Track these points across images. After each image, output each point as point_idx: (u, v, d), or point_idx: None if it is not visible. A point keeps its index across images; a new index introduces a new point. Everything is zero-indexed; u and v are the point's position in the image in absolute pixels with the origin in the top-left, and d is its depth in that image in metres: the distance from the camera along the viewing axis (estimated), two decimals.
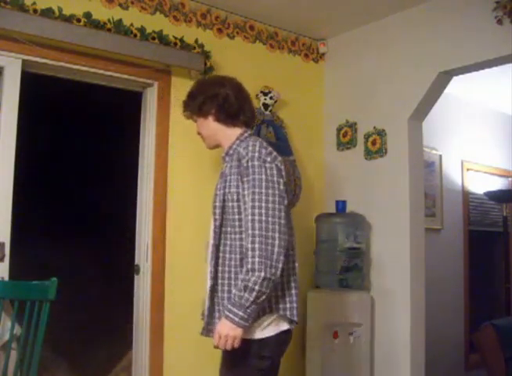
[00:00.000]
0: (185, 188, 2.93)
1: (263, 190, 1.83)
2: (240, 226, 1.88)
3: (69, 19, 2.51)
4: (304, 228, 3.12)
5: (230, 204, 1.91)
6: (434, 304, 3.55)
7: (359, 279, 3.09)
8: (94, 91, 2.86)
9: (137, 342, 2.79)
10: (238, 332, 1.76)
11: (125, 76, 2.77)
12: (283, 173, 1.92)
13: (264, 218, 1.79)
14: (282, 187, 1.87)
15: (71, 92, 3.00)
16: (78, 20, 2.53)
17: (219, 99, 2.03)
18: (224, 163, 2.06)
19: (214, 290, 1.94)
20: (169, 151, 2.89)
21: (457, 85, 3.40)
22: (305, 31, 3.45)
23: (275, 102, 3.17)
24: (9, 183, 2.45)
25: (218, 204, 1.95)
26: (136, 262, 2.84)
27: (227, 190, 1.92)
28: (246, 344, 1.81)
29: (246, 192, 1.85)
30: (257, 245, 1.77)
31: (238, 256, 1.88)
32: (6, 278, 2.23)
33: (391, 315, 3.05)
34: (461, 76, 3.03)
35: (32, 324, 1.90)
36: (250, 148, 1.89)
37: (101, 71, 2.69)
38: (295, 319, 1.91)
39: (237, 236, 1.89)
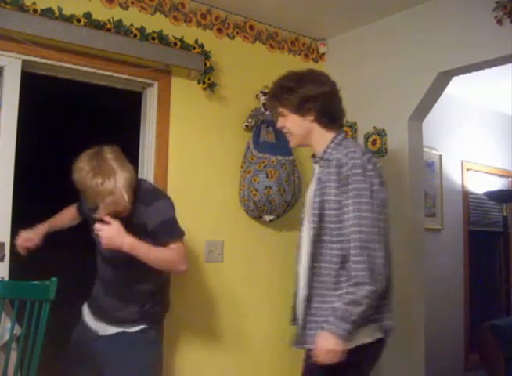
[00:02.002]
0: (186, 188, 2.93)
1: (366, 200, 1.78)
2: (338, 235, 1.83)
3: (69, 19, 2.50)
4: None
5: (328, 212, 1.85)
6: (434, 304, 3.55)
7: None
8: (93, 90, 2.85)
9: None
10: (341, 346, 1.71)
11: (125, 76, 2.77)
12: (383, 179, 1.87)
13: (366, 229, 1.76)
14: (382, 195, 1.83)
15: (70, 92, 3.00)
16: (78, 20, 2.53)
17: (323, 100, 1.95)
18: (317, 166, 1.99)
19: (308, 300, 1.87)
20: (169, 151, 2.89)
21: (457, 85, 3.40)
22: (305, 31, 3.45)
23: None
24: (9, 183, 2.45)
25: (316, 212, 1.88)
26: None
27: (325, 198, 1.86)
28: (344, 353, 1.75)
29: (349, 201, 1.79)
30: (361, 258, 1.73)
31: (333, 266, 1.82)
32: (6, 278, 2.23)
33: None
34: (461, 76, 3.02)
35: (32, 324, 1.90)
36: (351, 154, 1.83)
37: (101, 71, 2.69)
38: (390, 328, 1.87)
39: (334, 245, 1.84)
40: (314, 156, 2.06)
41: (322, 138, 1.98)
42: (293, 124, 2.00)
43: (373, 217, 1.77)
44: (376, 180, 1.83)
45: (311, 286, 1.86)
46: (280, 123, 2.05)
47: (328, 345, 1.71)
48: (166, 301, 2.31)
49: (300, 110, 1.96)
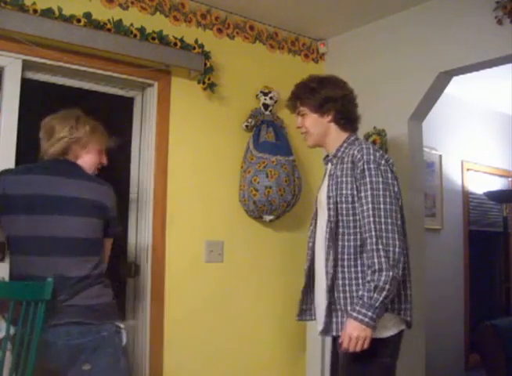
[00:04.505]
0: (186, 187, 2.93)
1: (380, 192, 1.89)
2: (355, 227, 1.94)
3: (69, 19, 2.50)
4: (303, 229, 3.11)
5: (345, 205, 1.96)
6: (434, 304, 3.55)
7: None
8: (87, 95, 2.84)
9: (137, 344, 2.79)
10: (368, 333, 1.79)
11: (125, 76, 2.77)
12: (396, 175, 1.98)
13: (383, 219, 1.86)
14: (396, 189, 1.94)
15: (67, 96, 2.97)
16: (78, 20, 2.53)
17: (342, 101, 2.07)
18: (330, 164, 2.12)
19: (332, 290, 1.96)
20: (169, 151, 2.89)
21: (457, 85, 3.40)
22: (305, 31, 3.45)
23: (276, 102, 3.17)
24: None
25: (332, 206, 1.98)
26: (137, 262, 2.84)
27: (340, 192, 1.97)
28: (372, 343, 1.83)
29: (363, 194, 1.91)
30: (380, 246, 1.83)
31: (352, 256, 1.93)
32: (6, 278, 2.22)
33: None
34: (461, 76, 3.02)
35: (28, 325, 1.89)
36: (365, 150, 1.94)
37: (100, 71, 2.69)
38: (409, 319, 1.97)
39: (351, 237, 1.95)
40: (326, 157, 2.18)
41: (337, 138, 2.10)
42: (311, 123, 2.12)
43: (389, 208, 1.88)
44: (389, 174, 1.93)
45: (332, 277, 1.95)
46: (299, 122, 2.17)
47: (355, 332, 1.79)
48: None
49: (320, 109, 2.09)
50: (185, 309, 2.84)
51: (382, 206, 1.87)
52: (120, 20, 2.66)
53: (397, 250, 1.83)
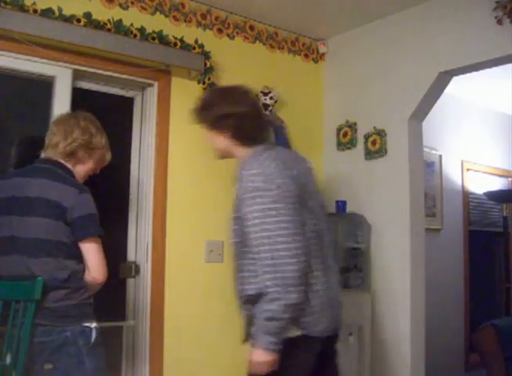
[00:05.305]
0: (186, 187, 2.93)
1: (257, 214, 1.79)
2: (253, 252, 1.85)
3: (69, 19, 2.50)
4: None
5: (245, 227, 1.87)
6: (434, 304, 3.55)
7: (359, 279, 3.09)
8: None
9: (137, 344, 2.79)
10: (272, 357, 1.76)
11: (125, 76, 2.77)
12: (290, 187, 1.82)
13: (268, 240, 1.75)
14: (287, 188, 1.81)
15: None
16: (78, 20, 2.53)
17: (236, 119, 1.98)
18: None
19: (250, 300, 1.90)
20: (169, 151, 2.89)
21: (457, 85, 3.40)
22: (305, 31, 3.45)
23: (276, 102, 3.17)
24: None
25: (236, 227, 1.93)
26: (137, 262, 2.84)
27: (239, 215, 1.89)
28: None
29: (250, 212, 1.81)
30: (268, 275, 1.74)
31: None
32: None
33: (391, 315, 3.05)
34: (461, 76, 3.03)
35: (17, 325, 1.88)
36: (244, 178, 1.85)
37: (100, 71, 2.69)
38: (306, 332, 1.84)
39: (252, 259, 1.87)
40: None
41: (240, 154, 2.03)
42: (212, 139, 2.07)
43: (275, 221, 1.76)
44: (274, 195, 1.79)
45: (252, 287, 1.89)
46: (205, 136, 2.12)
47: (258, 358, 1.78)
48: None
49: (216, 126, 2.02)
50: (185, 309, 2.84)
51: (263, 226, 1.76)
52: (120, 20, 2.66)
53: (291, 273, 1.72)
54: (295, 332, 1.84)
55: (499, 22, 2.62)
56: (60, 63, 2.57)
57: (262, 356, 1.77)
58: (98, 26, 2.58)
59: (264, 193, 1.79)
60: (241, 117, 1.98)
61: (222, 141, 2.04)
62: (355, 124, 3.32)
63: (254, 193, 1.80)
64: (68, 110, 2.53)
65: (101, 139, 2.17)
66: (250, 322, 1.90)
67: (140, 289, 2.81)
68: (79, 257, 2.00)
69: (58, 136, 2.10)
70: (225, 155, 2.11)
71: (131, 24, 2.70)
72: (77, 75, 2.66)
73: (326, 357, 1.96)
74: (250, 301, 1.88)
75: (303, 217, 1.84)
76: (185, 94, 2.94)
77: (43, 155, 2.14)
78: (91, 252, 2.01)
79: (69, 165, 2.10)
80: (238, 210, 1.90)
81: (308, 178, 2.02)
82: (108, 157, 2.24)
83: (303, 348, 1.87)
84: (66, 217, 1.96)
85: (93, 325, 1.99)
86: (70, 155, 2.10)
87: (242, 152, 2.01)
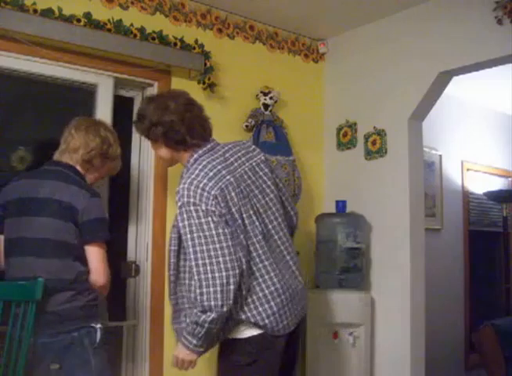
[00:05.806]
0: None
1: (188, 229, 1.84)
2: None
3: (69, 19, 2.50)
4: (304, 228, 3.12)
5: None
6: (434, 304, 3.55)
7: (359, 279, 3.09)
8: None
9: (137, 344, 2.79)
10: (193, 357, 1.90)
11: (125, 76, 2.77)
12: (218, 199, 1.85)
13: (200, 261, 1.81)
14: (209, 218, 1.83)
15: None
16: (78, 20, 2.53)
17: (163, 127, 1.99)
18: None
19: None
20: None
21: (457, 85, 3.40)
22: (305, 31, 3.45)
23: (276, 102, 3.17)
24: None
25: (174, 235, 1.98)
26: (137, 262, 2.84)
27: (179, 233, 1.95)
28: (228, 343, 1.95)
29: (183, 237, 1.88)
30: (199, 288, 1.80)
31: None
32: None
33: (391, 315, 3.05)
34: (461, 76, 3.03)
35: (17, 326, 1.89)
36: (180, 191, 1.87)
37: (100, 71, 2.69)
38: (262, 323, 1.89)
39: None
40: None
41: (183, 160, 2.05)
42: (153, 148, 2.13)
43: (205, 235, 1.81)
44: (200, 211, 1.83)
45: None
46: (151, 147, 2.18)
47: (180, 355, 1.91)
48: None
49: (150, 137, 2.07)
50: None
51: (198, 248, 1.81)
52: (120, 20, 2.66)
53: (218, 288, 1.78)
54: (255, 332, 1.91)
55: (499, 22, 2.62)
56: (60, 63, 2.57)
57: (183, 354, 1.90)
58: (98, 26, 2.58)
59: (192, 208, 1.83)
60: (166, 124, 1.99)
61: (163, 150, 2.06)
62: (355, 124, 3.33)
63: (183, 207, 1.85)
64: (109, 119, 2.58)
65: (116, 150, 2.22)
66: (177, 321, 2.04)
67: (140, 289, 2.81)
68: (85, 259, 2.02)
69: (77, 142, 2.12)
70: (172, 163, 2.14)
71: (131, 24, 2.70)
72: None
73: (288, 343, 2.01)
74: (183, 309, 1.99)
75: (241, 225, 1.87)
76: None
77: (56, 157, 2.15)
78: (95, 255, 2.04)
79: (82, 170, 2.12)
80: (176, 219, 1.94)
81: (256, 175, 2.01)
82: (119, 166, 2.29)
83: (266, 346, 1.93)
84: (77, 219, 1.99)
85: (98, 325, 2.01)
86: (87, 162, 2.13)
87: (184, 157, 2.03)
